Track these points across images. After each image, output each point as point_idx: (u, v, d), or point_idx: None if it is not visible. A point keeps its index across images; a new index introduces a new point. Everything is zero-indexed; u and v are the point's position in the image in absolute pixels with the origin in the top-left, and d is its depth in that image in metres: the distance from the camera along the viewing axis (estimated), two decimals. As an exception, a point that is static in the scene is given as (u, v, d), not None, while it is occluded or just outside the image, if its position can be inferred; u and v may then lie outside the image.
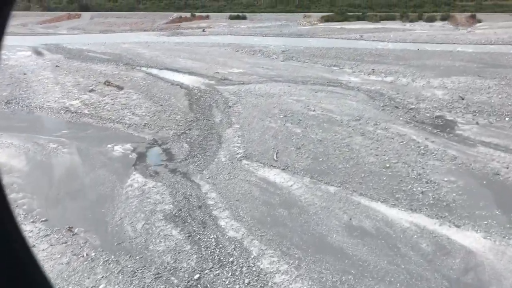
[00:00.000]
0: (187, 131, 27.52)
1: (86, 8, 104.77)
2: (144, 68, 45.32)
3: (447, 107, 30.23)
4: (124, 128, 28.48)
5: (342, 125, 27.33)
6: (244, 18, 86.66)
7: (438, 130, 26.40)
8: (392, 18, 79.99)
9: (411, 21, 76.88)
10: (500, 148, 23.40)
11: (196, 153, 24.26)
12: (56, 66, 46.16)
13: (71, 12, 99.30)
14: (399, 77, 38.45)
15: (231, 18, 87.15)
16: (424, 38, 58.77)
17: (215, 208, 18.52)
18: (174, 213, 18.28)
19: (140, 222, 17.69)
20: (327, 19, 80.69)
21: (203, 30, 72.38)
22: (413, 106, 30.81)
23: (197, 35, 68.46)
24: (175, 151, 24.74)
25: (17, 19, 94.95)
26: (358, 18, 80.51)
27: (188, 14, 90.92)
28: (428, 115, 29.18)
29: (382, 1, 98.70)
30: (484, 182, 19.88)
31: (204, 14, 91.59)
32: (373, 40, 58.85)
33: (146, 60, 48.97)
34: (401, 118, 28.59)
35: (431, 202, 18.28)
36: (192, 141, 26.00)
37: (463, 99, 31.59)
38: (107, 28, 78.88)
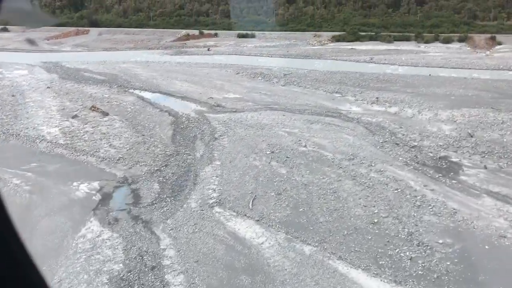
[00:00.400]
0: (162, 168, 25.57)
1: (95, 24, 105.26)
2: (137, 91, 43.87)
3: (454, 146, 27.60)
4: (97, 162, 26.71)
5: (332, 166, 24.99)
6: (253, 36, 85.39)
7: (440, 175, 23.79)
8: (407, 39, 77.38)
9: (427, 42, 74.18)
10: (510, 201, 20.70)
11: (165, 196, 22.22)
12: (48, 87, 45.12)
13: (80, 28, 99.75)
14: (404, 108, 35.95)
15: (240, 36, 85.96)
16: (438, 62, 56.11)
17: (169, 271, 16.34)
18: (122, 275, 16.17)
19: (81, 287, 15.68)
20: (338, 39, 78.63)
21: (208, 49, 71.20)
22: (416, 144, 28.27)
23: (201, 55, 67.22)
24: (144, 192, 22.76)
25: (26, 34, 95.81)
26: (371, 38, 78.17)
27: (196, 32, 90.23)
28: (431, 155, 26.61)
29: (398, 21, 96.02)
30: (487, 247, 17.25)
31: (212, 31, 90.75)
32: (383, 63, 56.40)
33: (141, 82, 47.60)
34: (400, 158, 26.09)
35: (420, 272, 15.73)
36: (165, 180, 23.99)
37: (472, 136, 28.92)
38: (111, 46, 78.51)
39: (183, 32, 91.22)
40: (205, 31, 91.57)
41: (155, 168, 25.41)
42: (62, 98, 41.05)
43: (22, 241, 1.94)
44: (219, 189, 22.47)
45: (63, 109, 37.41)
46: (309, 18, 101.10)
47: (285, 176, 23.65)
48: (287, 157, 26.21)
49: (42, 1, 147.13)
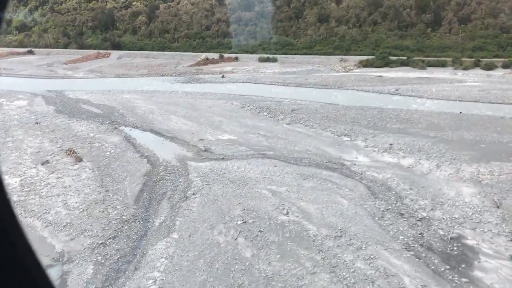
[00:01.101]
0: (108, 241, 21.95)
1: (118, 47, 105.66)
2: (127, 129, 41.09)
3: (472, 221, 22.38)
4: (41, 228, 23.48)
5: (311, 247, 20.47)
6: (274, 60, 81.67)
7: (448, 267, 18.75)
8: (443, 65, 71.10)
9: (465, 68, 67.60)
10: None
11: (94, 287, 18.55)
12: (36, 123, 43.24)
13: (101, 51, 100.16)
14: (421, 159, 30.82)
15: (261, 60, 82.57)
16: (474, 95, 50.06)
17: None
18: None
19: None
20: (365, 64, 73.57)
21: (223, 76, 68.03)
22: (425, 215, 23.24)
23: (213, 83, 64.22)
24: (72, 279, 19.10)
25: (48, 58, 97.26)
26: (402, 64, 72.49)
27: (216, 55, 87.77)
28: (441, 232, 21.54)
29: (435, 43, 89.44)
30: None
31: (233, 55, 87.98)
32: (409, 96, 51.03)
33: (136, 117, 44.88)
34: (400, 238, 21.21)
35: None
36: (103, 261, 20.28)
37: (498, 206, 23.55)
38: (125, 72, 77.00)
39: (203, 56, 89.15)
40: (226, 55, 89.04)
41: (100, 241, 21.83)
42: (45, 137, 38.82)
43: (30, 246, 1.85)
44: (161, 280, 18.52)
45: (38, 152, 34.97)
46: (338, 40, 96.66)
47: (248, 263, 19.38)
48: (260, 231, 21.96)
49: (75, 21, 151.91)
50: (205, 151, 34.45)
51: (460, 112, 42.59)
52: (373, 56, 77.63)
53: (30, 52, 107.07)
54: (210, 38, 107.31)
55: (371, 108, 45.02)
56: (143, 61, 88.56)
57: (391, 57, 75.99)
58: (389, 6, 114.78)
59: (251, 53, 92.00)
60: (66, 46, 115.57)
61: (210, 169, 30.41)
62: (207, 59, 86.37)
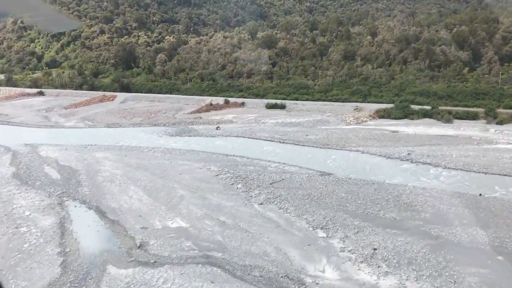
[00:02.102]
0: None
1: (127, 88, 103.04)
2: (72, 205, 35.58)
3: None
4: None
5: None
6: (282, 107, 74.94)
7: None
8: (473, 117, 62.07)
9: (500, 122, 58.43)
10: None
11: None
12: (-22, 193, 38.72)
13: (107, 94, 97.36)
14: (408, 280, 23.05)
15: (268, 107, 76.27)
16: (504, 164, 41.30)
17: None
18: None
19: None
20: (382, 115, 65.71)
21: (217, 128, 62.30)
22: None
23: (204, 136, 58.58)
24: None
25: (54, 101, 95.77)
26: (425, 114, 64.07)
27: (222, 100, 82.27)
28: None
29: (469, 88, 79.12)
30: None
31: (241, 100, 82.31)
32: (423, 163, 42.98)
33: (92, 187, 39.43)
34: None
35: None
36: None
37: None
38: (117, 121, 72.53)
39: (208, 100, 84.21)
40: (233, 99, 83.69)
41: None
42: (-27, 215, 33.95)
43: None
44: None
45: None
46: (358, 82, 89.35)
47: None
48: None
49: (99, 58, 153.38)
50: (139, 247, 28.15)
51: (480, 194, 34.32)
52: (394, 104, 69.77)
53: (40, 93, 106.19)
54: (223, 79, 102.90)
55: (368, 183, 37.51)
56: (144, 106, 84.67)
57: (413, 106, 67.87)
58: (425, 41, 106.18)
59: (262, 96, 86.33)
60: (80, 86, 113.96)
61: (126, 283, 23.96)
62: (211, 104, 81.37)
